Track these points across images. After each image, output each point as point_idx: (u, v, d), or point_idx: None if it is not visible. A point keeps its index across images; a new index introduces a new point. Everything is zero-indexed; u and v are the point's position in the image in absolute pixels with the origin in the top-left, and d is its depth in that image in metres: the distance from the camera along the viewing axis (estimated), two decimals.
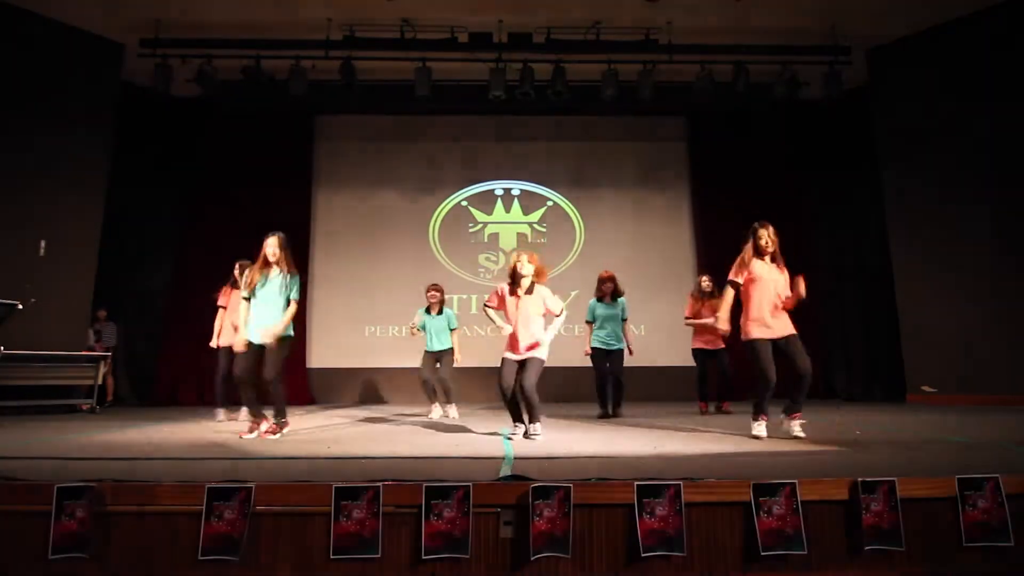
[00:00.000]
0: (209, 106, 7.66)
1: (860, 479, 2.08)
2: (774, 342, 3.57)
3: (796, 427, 3.55)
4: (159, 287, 7.62)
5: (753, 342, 3.58)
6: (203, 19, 6.58)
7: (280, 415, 3.90)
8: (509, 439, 3.63)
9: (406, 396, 7.31)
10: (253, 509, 2.02)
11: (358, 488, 2.02)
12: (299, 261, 4.29)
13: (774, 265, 3.67)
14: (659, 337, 7.65)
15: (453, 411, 5.37)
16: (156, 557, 2.02)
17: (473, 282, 8.10)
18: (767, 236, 3.63)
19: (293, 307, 3.90)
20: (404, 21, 6.72)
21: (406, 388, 7.18)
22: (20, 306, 5.15)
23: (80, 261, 6.51)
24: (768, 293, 3.61)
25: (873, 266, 7.37)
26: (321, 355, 7.88)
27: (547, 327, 3.87)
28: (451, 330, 5.50)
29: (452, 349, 5.47)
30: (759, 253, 3.65)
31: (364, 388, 7.82)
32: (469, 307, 7.97)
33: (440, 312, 5.52)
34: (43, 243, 6.19)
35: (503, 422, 4.54)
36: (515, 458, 2.81)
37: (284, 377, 3.98)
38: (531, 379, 3.74)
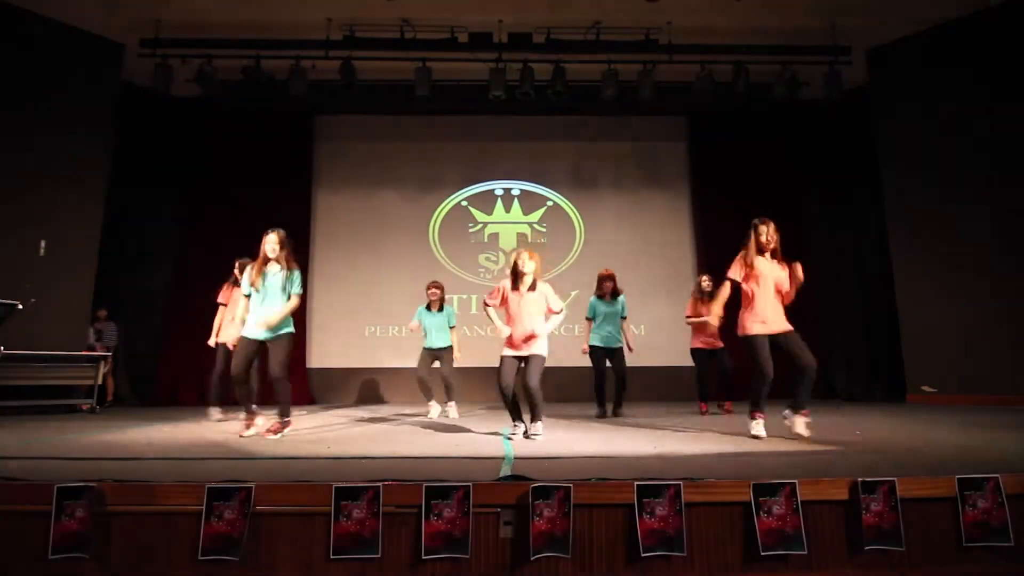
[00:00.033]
0: (209, 106, 7.66)
1: (860, 479, 2.08)
2: (771, 338, 3.58)
3: (801, 425, 3.53)
4: (159, 287, 7.61)
5: (752, 338, 3.58)
6: (203, 19, 6.58)
7: (284, 414, 3.90)
8: (509, 439, 3.63)
9: (406, 396, 7.31)
10: (253, 509, 2.02)
11: (358, 488, 2.03)
12: (299, 260, 4.28)
13: (775, 261, 3.68)
14: (659, 337, 7.65)
15: (453, 411, 5.36)
16: (156, 557, 2.02)
17: (473, 282, 8.10)
18: (767, 232, 3.64)
19: (295, 300, 3.89)
20: (404, 21, 6.73)
21: (406, 388, 7.18)
22: (20, 306, 5.15)
23: (80, 261, 6.51)
24: (769, 289, 3.62)
25: (873, 266, 7.37)
26: (321, 355, 7.88)
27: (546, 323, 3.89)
28: (450, 328, 5.50)
29: (451, 347, 5.47)
30: (760, 250, 3.65)
31: (364, 388, 7.82)
32: (469, 307, 7.98)
33: (440, 309, 5.52)
34: (43, 243, 6.19)
35: (503, 422, 4.54)
36: (515, 458, 2.81)
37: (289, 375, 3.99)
38: (535, 377, 3.74)
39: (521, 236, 8.25)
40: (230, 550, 1.97)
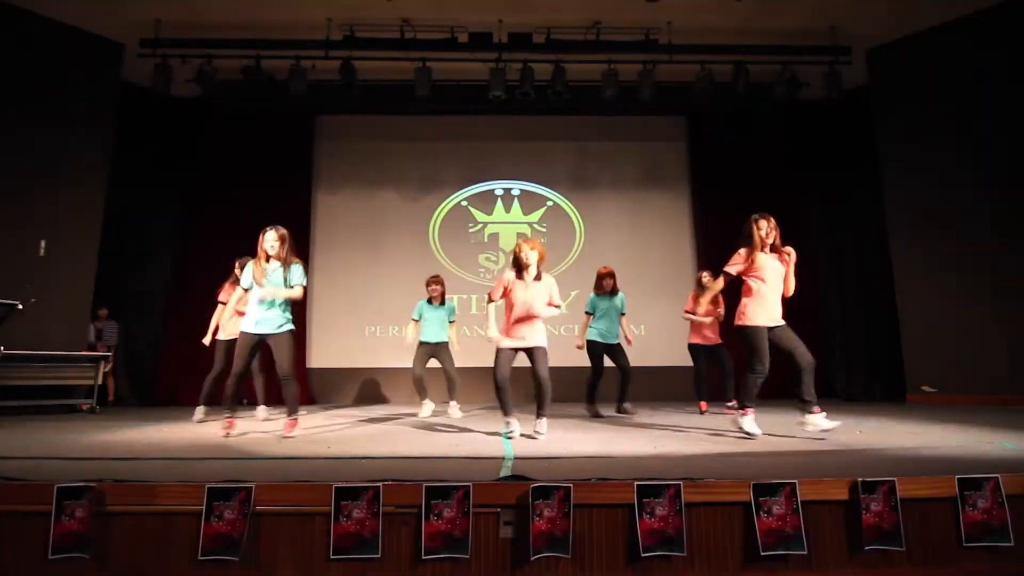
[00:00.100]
0: (209, 106, 7.65)
1: (860, 479, 2.08)
2: (769, 330, 3.58)
3: (822, 421, 3.51)
4: (159, 287, 7.61)
5: (756, 328, 3.56)
6: (203, 19, 6.57)
7: (293, 412, 3.91)
8: (509, 438, 3.63)
9: (406, 396, 7.31)
10: (253, 509, 2.02)
11: (358, 488, 2.03)
12: (300, 255, 4.26)
13: (774, 255, 3.68)
14: (659, 337, 7.65)
15: (456, 410, 5.34)
16: (156, 557, 2.02)
17: (473, 282, 8.10)
18: (767, 227, 3.64)
19: (299, 289, 3.89)
20: (404, 21, 6.73)
21: (406, 388, 7.17)
22: (20, 306, 5.16)
23: (80, 261, 6.51)
24: (774, 283, 3.62)
25: (873, 266, 7.37)
26: (321, 355, 7.88)
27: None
28: (450, 323, 5.49)
29: (447, 343, 5.46)
30: (760, 245, 3.65)
31: (364, 388, 7.82)
32: (469, 307, 7.98)
33: (442, 304, 5.51)
34: (43, 243, 6.19)
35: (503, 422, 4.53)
36: (515, 458, 2.81)
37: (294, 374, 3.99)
38: (545, 369, 3.75)
39: (521, 236, 8.24)
40: (230, 550, 1.97)
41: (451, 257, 8.19)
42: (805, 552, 2.01)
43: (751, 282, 3.65)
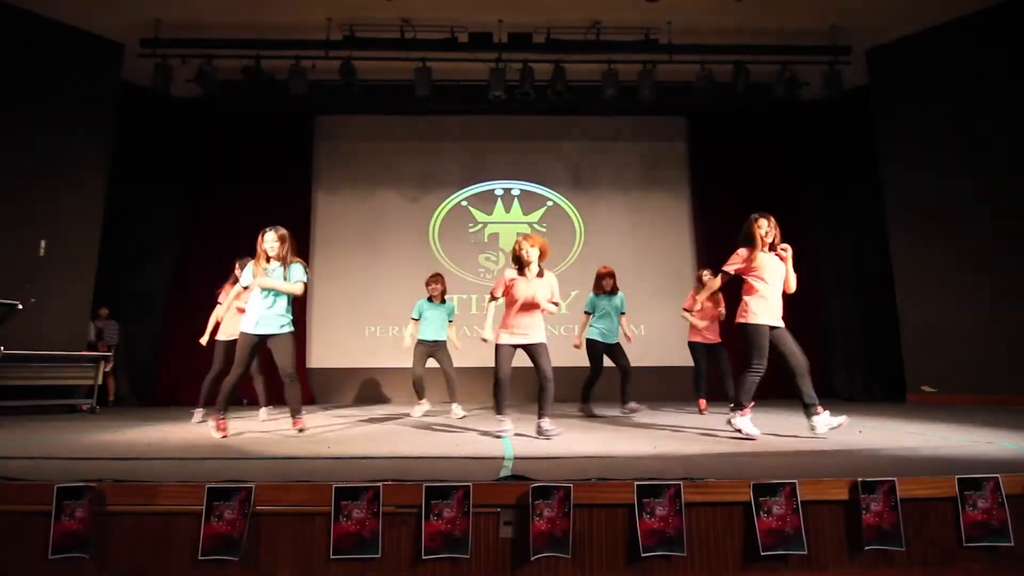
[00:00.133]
0: (209, 106, 7.65)
1: (860, 479, 2.08)
2: (770, 329, 3.58)
3: (829, 420, 3.52)
4: (159, 287, 7.61)
5: (756, 326, 3.55)
6: (203, 19, 6.58)
7: (297, 412, 3.90)
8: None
9: (406, 396, 7.30)
10: (253, 509, 2.02)
11: (358, 488, 2.03)
12: (300, 254, 4.26)
13: (774, 254, 3.68)
14: (659, 337, 7.65)
15: (458, 409, 5.33)
16: (156, 557, 2.02)
17: (473, 282, 8.10)
18: (767, 226, 3.64)
19: (299, 285, 3.88)
20: (404, 21, 6.73)
21: (406, 388, 7.15)
22: (20, 306, 5.15)
23: (80, 261, 6.51)
24: (775, 282, 3.62)
25: (873, 266, 7.37)
26: (321, 355, 7.88)
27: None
28: (449, 322, 5.49)
29: (446, 342, 5.46)
30: (761, 244, 3.64)
31: (364, 388, 7.82)
32: (469, 307, 7.98)
33: (442, 302, 5.51)
34: (43, 243, 6.19)
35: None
36: (515, 458, 2.81)
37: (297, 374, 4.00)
38: (549, 365, 3.75)
39: (521, 234, 8.23)
40: (230, 550, 1.97)
41: (451, 257, 8.19)
42: (805, 552, 2.01)
43: (752, 281, 3.64)
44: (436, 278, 5.54)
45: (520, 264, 3.84)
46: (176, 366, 7.27)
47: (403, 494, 2.05)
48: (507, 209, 8.36)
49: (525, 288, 3.78)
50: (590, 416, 5.11)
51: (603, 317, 5.31)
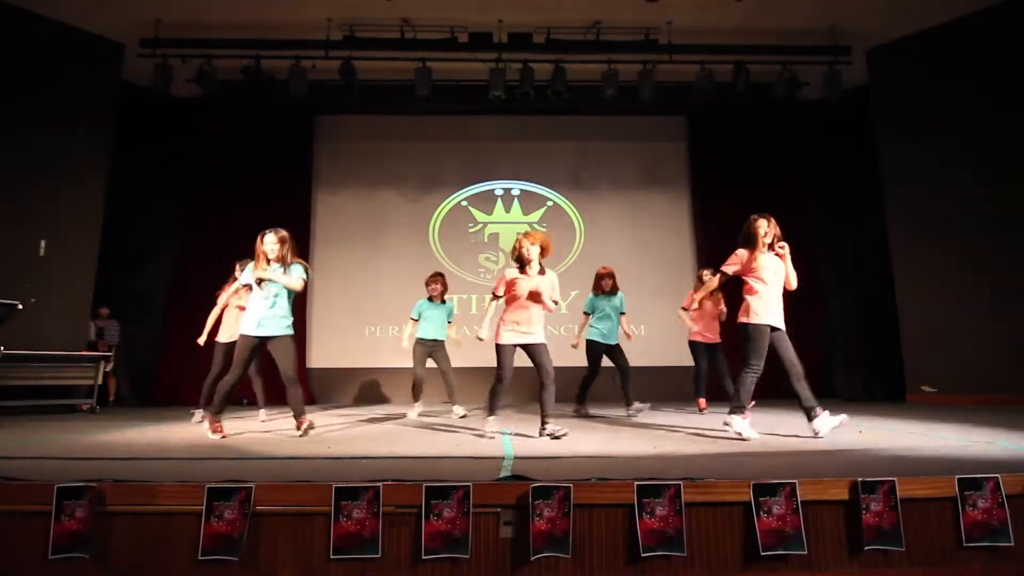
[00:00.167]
0: (209, 106, 7.65)
1: (860, 479, 2.08)
2: (771, 330, 3.58)
3: (830, 418, 3.51)
4: (159, 287, 7.62)
5: (757, 326, 3.54)
6: (203, 19, 6.58)
7: (300, 414, 3.90)
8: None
9: (406, 396, 7.26)
10: (253, 509, 2.02)
11: (358, 488, 2.03)
12: (301, 255, 4.26)
13: (772, 252, 3.67)
14: (659, 337, 7.65)
15: (459, 409, 5.31)
16: (156, 557, 2.02)
17: (473, 282, 8.10)
18: (767, 227, 3.64)
19: (299, 282, 3.86)
20: (404, 21, 6.73)
21: (406, 388, 7.14)
22: (20, 306, 5.15)
23: (80, 261, 6.51)
24: (772, 283, 3.62)
25: (873, 266, 7.37)
26: (321, 355, 7.88)
27: None
28: (448, 323, 5.49)
29: (444, 342, 5.45)
30: (760, 245, 3.64)
31: (364, 388, 7.82)
32: (469, 307, 7.98)
33: (442, 302, 5.51)
34: (43, 243, 6.19)
35: (504, 421, 4.54)
36: (515, 458, 2.81)
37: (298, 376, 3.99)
38: (551, 366, 3.74)
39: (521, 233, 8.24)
40: (230, 550, 1.97)
41: (451, 257, 8.19)
42: (805, 552, 2.01)
43: (752, 283, 3.63)
44: (436, 278, 5.53)
45: (521, 262, 3.83)
46: (176, 366, 7.27)
47: (403, 494, 2.05)
48: (507, 209, 8.36)
49: (527, 286, 3.77)
50: (586, 417, 5.11)
51: (603, 318, 5.30)
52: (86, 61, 6.60)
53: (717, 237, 7.44)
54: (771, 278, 3.62)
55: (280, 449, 3.24)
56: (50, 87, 6.33)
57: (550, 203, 8.38)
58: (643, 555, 1.98)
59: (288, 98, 7.02)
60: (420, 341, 5.41)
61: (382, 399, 7.70)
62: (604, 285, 5.35)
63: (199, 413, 4.94)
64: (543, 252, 3.84)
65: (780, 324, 3.60)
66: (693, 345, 5.51)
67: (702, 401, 5.45)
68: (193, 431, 4.23)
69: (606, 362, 5.33)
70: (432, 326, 5.40)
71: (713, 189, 8.06)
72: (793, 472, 2.26)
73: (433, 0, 6.47)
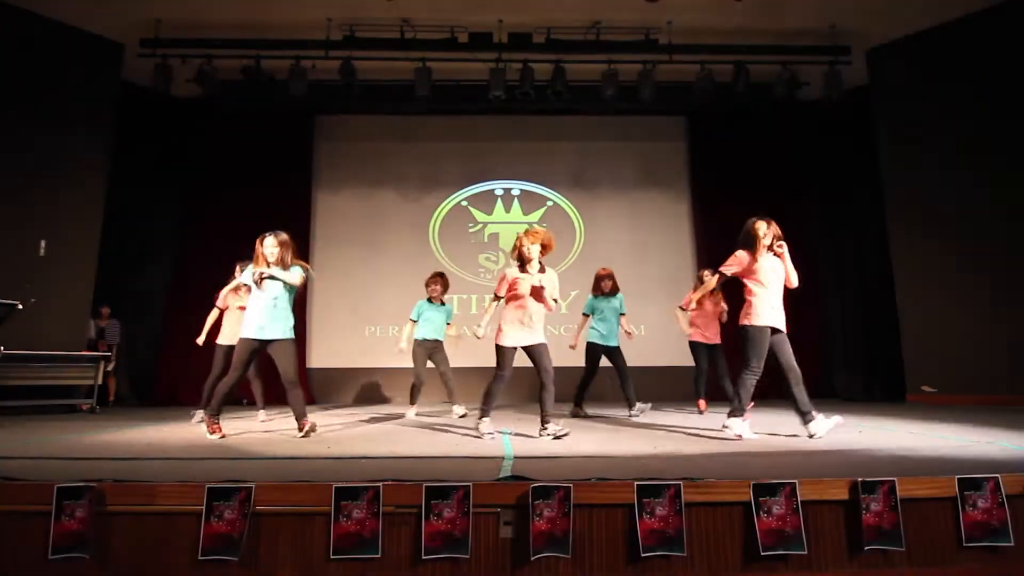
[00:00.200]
0: (209, 106, 7.65)
1: (860, 479, 2.08)
2: (772, 331, 3.57)
3: (825, 421, 3.51)
4: (159, 287, 7.62)
5: (760, 328, 3.53)
6: (203, 19, 6.58)
7: (302, 416, 3.89)
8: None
9: (406, 396, 7.27)
10: (253, 509, 2.02)
11: (358, 488, 2.03)
12: (301, 257, 4.25)
13: (771, 252, 3.67)
14: (659, 337, 7.64)
15: (459, 408, 5.29)
16: (156, 557, 2.02)
17: (473, 282, 8.10)
18: (767, 229, 3.63)
19: (299, 277, 3.86)
20: (404, 21, 6.73)
21: (406, 388, 7.14)
22: (20, 306, 5.15)
23: (80, 261, 6.51)
24: (772, 284, 3.61)
25: (873, 266, 7.37)
26: (321, 355, 7.88)
27: None
28: (448, 323, 5.49)
29: (443, 343, 5.45)
30: (760, 248, 3.63)
31: (364, 388, 7.82)
32: (469, 307, 7.98)
33: (442, 303, 5.50)
34: (43, 243, 6.19)
35: (503, 421, 4.54)
36: (515, 458, 2.81)
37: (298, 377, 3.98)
38: (551, 366, 3.73)
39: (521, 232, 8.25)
40: (230, 550, 1.97)
41: (451, 257, 8.19)
42: (805, 552, 2.01)
43: (751, 285, 3.63)
44: (436, 278, 5.53)
45: (522, 261, 3.83)
46: (176, 366, 7.27)
47: (403, 494, 2.05)
48: (507, 209, 8.36)
49: (528, 285, 3.77)
50: (584, 418, 5.10)
51: (603, 320, 5.29)
52: (86, 61, 6.60)
53: (717, 237, 7.43)
54: (771, 280, 3.61)
55: (280, 449, 3.24)
56: (50, 87, 6.33)
57: (550, 203, 8.38)
58: (643, 555, 1.98)
59: (288, 98, 7.02)
60: (420, 342, 5.41)
61: (382, 399, 7.70)
62: (604, 286, 5.34)
63: (199, 413, 4.93)
64: (546, 249, 3.84)
65: (781, 326, 3.59)
66: (693, 345, 5.50)
67: (702, 402, 5.44)
68: (193, 431, 4.23)
69: (605, 363, 5.33)
70: (431, 327, 5.40)
71: (713, 189, 8.06)
72: (793, 472, 2.26)
73: (433, 0, 6.47)
